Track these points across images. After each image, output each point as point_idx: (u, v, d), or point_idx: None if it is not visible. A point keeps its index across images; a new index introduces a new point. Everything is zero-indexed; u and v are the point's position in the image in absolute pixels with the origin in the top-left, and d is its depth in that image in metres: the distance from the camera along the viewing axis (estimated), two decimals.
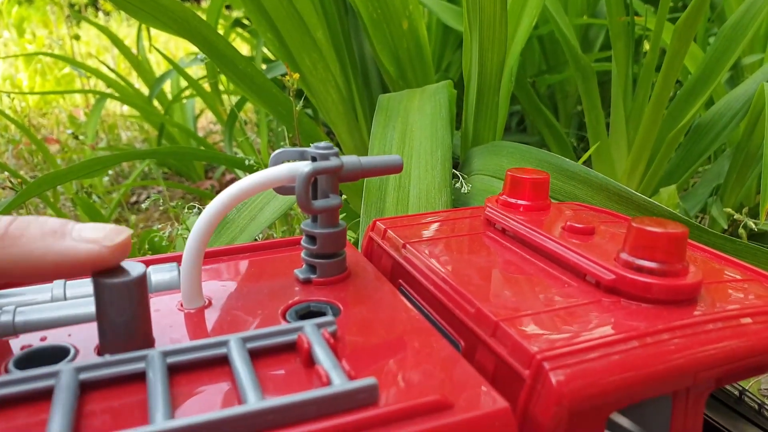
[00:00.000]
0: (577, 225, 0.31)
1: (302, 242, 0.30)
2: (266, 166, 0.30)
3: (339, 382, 0.20)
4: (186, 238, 0.66)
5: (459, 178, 0.49)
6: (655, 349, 0.23)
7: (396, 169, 0.30)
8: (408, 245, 0.33)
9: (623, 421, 0.26)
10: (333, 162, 0.28)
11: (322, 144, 0.29)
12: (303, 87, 0.71)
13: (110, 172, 1.06)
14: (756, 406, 0.33)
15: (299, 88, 0.67)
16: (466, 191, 0.48)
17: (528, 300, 0.26)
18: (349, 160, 0.29)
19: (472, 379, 0.22)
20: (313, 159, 0.29)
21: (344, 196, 0.69)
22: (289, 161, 0.30)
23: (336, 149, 0.29)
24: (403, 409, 0.20)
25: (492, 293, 0.27)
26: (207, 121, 1.82)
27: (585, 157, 0.62)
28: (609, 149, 0.72)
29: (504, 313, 0.25)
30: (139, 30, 1.28)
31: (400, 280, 0.33)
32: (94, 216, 0.77)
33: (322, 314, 0.27)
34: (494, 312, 0.25)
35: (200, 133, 1.60)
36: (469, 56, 0.57)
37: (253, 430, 0.19)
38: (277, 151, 0.30)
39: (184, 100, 1.27)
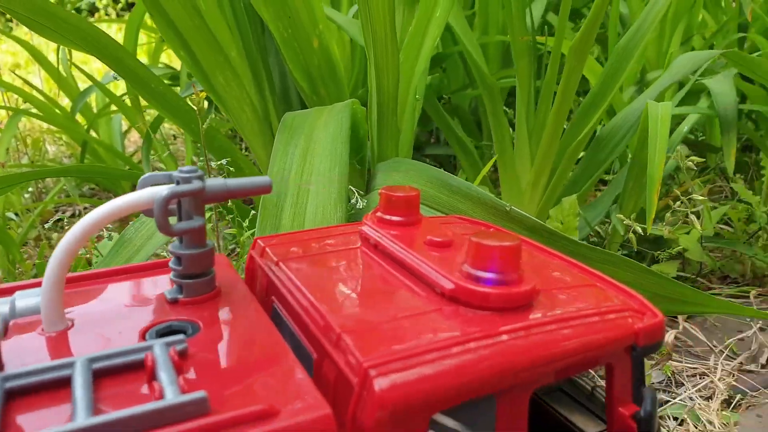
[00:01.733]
0: (435, 239, 0.34)
1: (170, 263, 0.31)
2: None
3: (171, 396, 0.22)
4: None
5: (355, 194, 0.51)
6: (477, 353, 0.25)
7: (265, 190, 0.32)
8: (280, 263, 0.34)
9: (448, 421, 0.28)
10: (194, 185, 0.29)
11: (187, 168, 0.30)
12: (218, 104, 0.71)
13: (30, 189, 1.04)
14: (604, 400, 0.35)
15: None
16: (361, 206, 0.50)
17: (376, 312, 0.28)
18: (214, 183, 0.31)
19: (305, 389, 0.24)
20: (177, 182, 0.30)
21: None
22: (158, 184, 0.31)
23: (201, 172, 0.30)
24: (230, 418, 0.21)
25: (344, 307, 0.29)
26: (138, 136, 1.79)
27: (485, 170, 0.64)
28: (514, 162, 0.75)
29: (348, 324, 0.27)
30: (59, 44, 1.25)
31: (273, 297, 0.34)
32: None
33: (184, 333, 0.28)
34: (339, 324, 0.27)
35: (131, 148, 1.58)
36: (371, 84, 0.60)
37: None
38: (144, 176, 0.31)
39: (112, 116, 1.25)
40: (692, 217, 0.64)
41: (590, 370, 0.36)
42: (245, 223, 0.58)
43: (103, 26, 2.85)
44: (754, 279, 1.03)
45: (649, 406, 0.27)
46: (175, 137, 1.68)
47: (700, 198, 0.63)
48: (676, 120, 1.02)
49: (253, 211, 0.64)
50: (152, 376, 0.24)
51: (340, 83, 0.70)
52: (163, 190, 0.29)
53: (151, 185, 0.31)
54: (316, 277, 0.32)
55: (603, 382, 0.38)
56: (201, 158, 0.66)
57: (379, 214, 0.38)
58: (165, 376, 0.23)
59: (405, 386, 0.23)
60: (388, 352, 0.24)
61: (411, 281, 0.32)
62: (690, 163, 0.67)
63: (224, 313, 0.30)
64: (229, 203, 0.70)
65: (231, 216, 0.74)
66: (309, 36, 0.65)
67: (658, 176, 0.54)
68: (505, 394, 0.26)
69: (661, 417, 0.65)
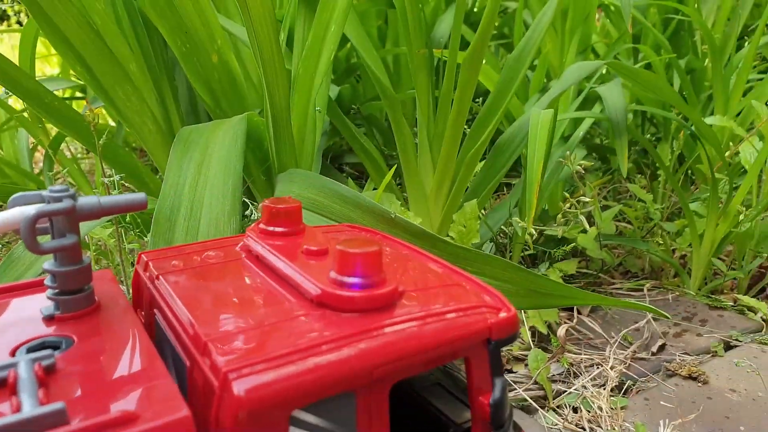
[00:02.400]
0: (312, 248, 0.36)
1: (45, 281, 0.32)
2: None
3: (27, 409, 0.23)
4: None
5: (249, 206, 0.52)
6: (334, 353, 0.27)
7: (140, 206, 0.33)
8: (160, 276, 0.35)
9: (312, 419, 0.30)
10: (63, 204, 0.30)
11: (57, 187, 0.31)
12: (120, 119, 0.71)
13: None
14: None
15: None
16: (256, 218, 0.52)
17: (244, 320, 0.30)
18: (87, 201, 0.31)
19: (168, 394, 0.25)
20: (48, 202, 0.30)
21: None
22: (29, 203, 0.31)
23: (72, 191, 0.31)
24: (86, 426, 0.22)
25: (214, 317, 0.30)
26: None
27: (387, 178, 0.67)
28: (418, 169, 0.79)
29: (214, 333, 0.28)
30: None
31: (154, 310, 0.35)
32: None
33: (56, 348, 0.29)
34: (205, 333, 0.28)
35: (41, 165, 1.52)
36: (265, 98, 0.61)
37: None
38: (15, 195, 0.31)
39: (18, 130, 1.21)
40: (582, 218, 0.69)
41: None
42: (146, 238, 0.58)
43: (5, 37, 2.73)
44: (652, 272, 1.10)
45: (498, 394, 0.30)
46: (88, 152, 1.63)
47: (589, 199, 0.68)
48: (577, 124, 1.09)
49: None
50: (12, 392, 0.24)
51: (241, 97, 0.71)
52: (31, 209, 0.29)
53: (23, 204, 0.31)
54: (193, 289, 0.33)
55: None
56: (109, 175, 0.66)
57: (261, 225, 0.39)
58: (25, 391, 0.24)
59: (262, 387, 0.25)
60: (247, 356, 0.26)
61: (285, 289, 0.33)
62: (579, 167, 0.72)
63: (100, 327, 0.31)
64: (135, 218, 0.70)
65: (138, 229, 0.73)
66: (207, 51, 0.66)
67: (536, 178, 0.58)
68: (364, 389, 0.28)
69: (559, 406, 0.69)
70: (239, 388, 0.25)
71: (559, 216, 0.74)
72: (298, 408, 0.26)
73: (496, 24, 1.40)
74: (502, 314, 0.33)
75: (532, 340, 0.78)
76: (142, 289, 0.37)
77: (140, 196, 0.33)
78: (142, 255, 0.38)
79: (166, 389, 0.25)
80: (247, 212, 0.52)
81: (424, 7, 1.00)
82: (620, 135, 0.85)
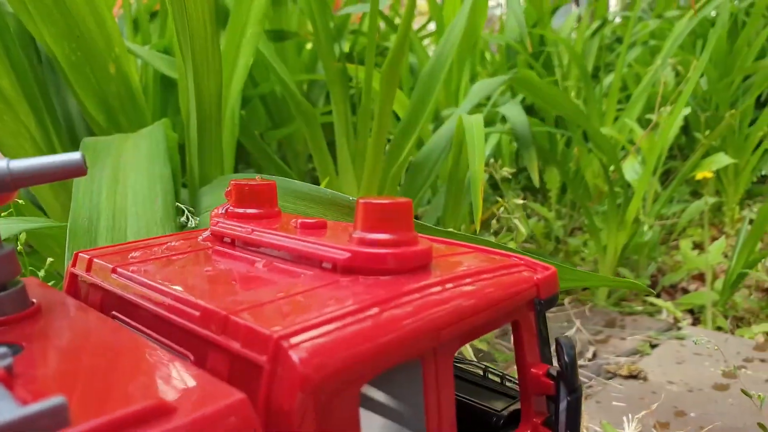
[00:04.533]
0: (308, 221, 0.30)
1: None
2: None
3: (10, 409, 0.15)
4: None
5: (185, 212, 0.45)
6: (396, 314, 0.22)
7: (78, 168, 0.25)
8: (119, 269, 0.28)
9: (378, 395, 0.25)
10: None
11: None
12: None
13: None
14: (498, 379, 0.34)
15: None
16: (194, 225, 0.44)
17: (262, 294, 0.24)
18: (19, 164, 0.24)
19: (199, 379, 0.18)
20: None
21: None
22: None
23: None
24: (106, 423, 0.15)
25: (221, 295, 0.24)
26: None
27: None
28: (340, 188, 0.74)
29: (234, 307, 0.22)
30: None
31: (114, 312, 0.27)
32: None
33: None
34: (223, 307, 0.22)
35: None
36: (186, 95, 0.55)
37: None
38: None
39: None
40: (515, 221, 0.69)
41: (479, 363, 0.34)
42: (40, 272, 0.47)
43: None
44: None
45: (570, 350, 0.26)
46: None
47: (519, 202, 0.68)
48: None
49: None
50: None
51: (141, 111, 0.63)
52: None
53: None
54: (173, 276, 0.26)
55: (491, 366, 0.36)
56: None
57: (230, 209, 0.33)
58: None
59: (328, 352, 0.19)
60: (295, 322, 0.20)
61: (291, 264, 0.27)
62: (505, 172, 0.72)
63: (55, 327, 0.23)
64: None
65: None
66: (104, 61, 0.58)
67: (480, 176, 0.57)
68: (429, 355, 0.23)
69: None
70: (298, 355, 0.19)
71: (494, 221, 0.73)
72: (367, 379, 0.20)
73: (378, 62, 1.43)
74: (544, 272, 0.29)
75: (476, 357, 0.75)
76: (85, 292, 0.29)
77: (75, 155, 0.25)
78: (80, 254, 0.30)
79: (192, 377, 0.19)
80: (182, 219, 0.44)
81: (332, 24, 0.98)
82: (527, 147, 0.88)
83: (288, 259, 0.28)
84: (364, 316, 0.21)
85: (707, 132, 1.23)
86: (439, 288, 0.25)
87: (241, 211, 0.33)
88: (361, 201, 0.26)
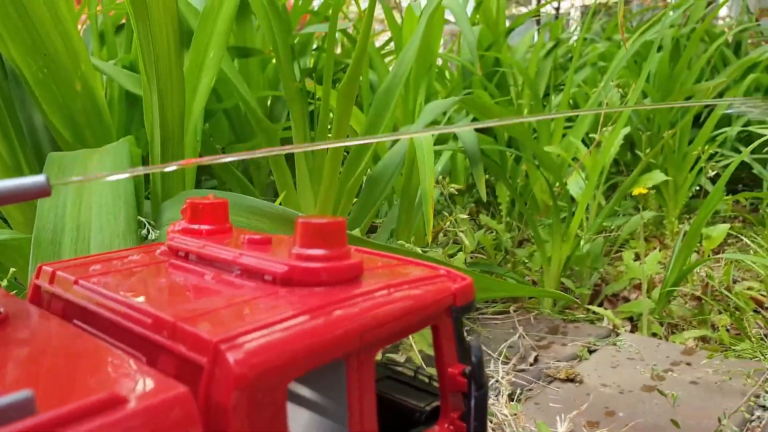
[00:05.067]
0: (255, 237, 0.33)
1: None
2: None
3: None
4: None
5: (146, 226, 0.47)
6: (323, 320, 0.25)
7: (42, 191, 0.27)
8: (80, 281, 0.30)
9: (305, 391, 0.28)
10: None
11: None
12: None
13: None
14: (427, 380, 0.37)
15: None
16: (154, 237, 0.47)
17: (208, 303, 0.26)
18: None
19: (148, 376, 0.21)
20: None
21: None
22: None
23: None
24: (68, 412, 0.18)
25: (172, 304, 0.27)
26: None
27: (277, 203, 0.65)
28: (298, 203, 0.77)
29: (182, 315, 0.25)
30: None
31: (75, 320, 0.30)
32: None
33: None
34: (172, 315, 0.25)
35: None
36: (150, 112, 0.57)
37: None
38: None
39: None
40: (461, 235, 0.73)
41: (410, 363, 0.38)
42: (9, 275, 0.49)
43: None
44: (511, 296, 1.18)
45: (478, 352, 0.30)
46: None
47: (464, 217, 0.72)
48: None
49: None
50: None
51: (106, 126, 0.65)
52: None
53: None
54: (130, 287, 0.29)
55: (421, 367, 0.40)
56: None
57: (185, 225, 0.36)
58: None
59: (260, 356, 0.22)
60: (233, 328, 0.23)
61: (236, 277, 0.30)
62: (452, 188, 0.76)
63: (22, 333, 0.25)
64: None
65: None
66: (70, 77, 0.60)
67: (431, 191, 0.60)
68: (354, 356, 0.26)
69: None
70: (234, 357, 0.22)
71: (441, 235, 0.77)
72: (295, 377, 0.23)
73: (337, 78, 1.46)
74: (461, 282, 0.33)
75: (424, 362, 0.78)
76: (48, 304, 0.31)
77: (38, 178, 0.27)
78: (44, 266, 0.33)
79: (142, 373, 0.21)
80: (143, 232, 0.47)
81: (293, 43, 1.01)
82: (476, 164, 0.92)
83: (234, 272, 0.31)
84: (295, 323, 0.24)
85: (647, 150, 1.30)
86: (364, 297, 0.28)
87: (195, 227, 0.35)
88: (299, 220, 0.29)
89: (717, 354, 0.90)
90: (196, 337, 0.23)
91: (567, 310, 1.11)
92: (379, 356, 0.58)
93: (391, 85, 0.86)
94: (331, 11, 0.79)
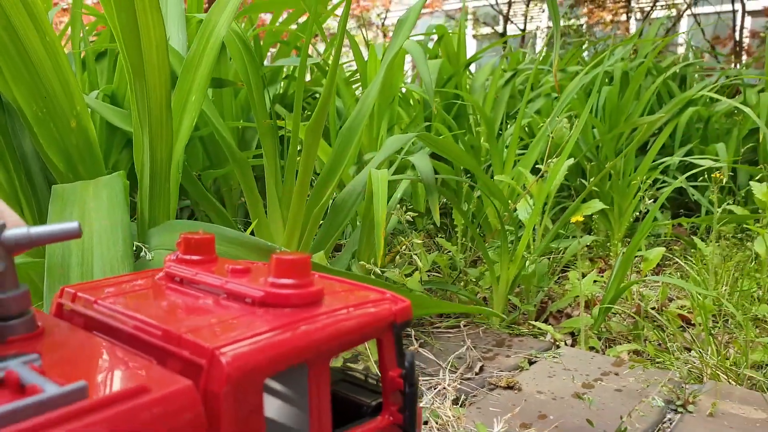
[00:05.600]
0: (236, 267, 0.41)
1: None
2: None
3: (52, 389, 0.25)
4: None
5: (143, 250, 0.55)
6: (291, 334, 0.34)
7: (74, 235, 0.35)
8: (99, 301, 0.38)
9: (278, 386, 0.36)
10: None
11: None
12: None
13: None
14: (375, 382, 0.46)
15: None
16: (150, 258, 0.54)
17: (203, 320, 0.35)
18: (14, 232, 0.33)
19: (163, 374, 0.29)
20: None
21: None
22: None
23: (1, 222, 0.33)
24: (110, 397, 0.26)
25: (174, 320, 0.35)
26: None
27: (247, 232, 0.73)
28: (269, 227, 0.85)
29: (186, 328, 0.33)
30: None
31: (94, 332, 0.37)
32: None
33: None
34: (176, 329, 0.33)
35: None
36: (140, 152, 0.65)
37: None
38: None
39: None
40: (415, 257, 0.82)
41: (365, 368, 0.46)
42: None
43: None
44: (463, 312, 1.28)
45: (410, 357, 0.39)
46: None
47: (418, 241, 0.81)
48: (393, 188, 1.25)
49: None
50: (20, 385, 0.27)
51: (97, 161, 0.73)
52: None
53: None
54: (139, 306, 0.37)
55: (372, 373, 0.48)
56: None
57: (179, 255, 0.44)
58: (37, 378, 0.26)
59: (242, 357, 0.31)
60: (225, 339, 0.31)
61: (223, 299, 0.38)
62: (408, 216, 0.85)
63: (58, 342, 0.33)
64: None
65: None
66: (66, 116, 0.67)
67: (382, 224, 0.69)
68: (314, 361, 0.34)
69: None
70: (225, 359, 0.30)
71: (397, 257, 0.86)
72: (270, 375, 0.32)
73: (306, 106, 1.55)
74: (400, 304, 0.41)
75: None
76: (69, 318, 0.39)
77: (73, 224, 0.35)
78: (67, 288, 0.40)
79: (158, 372, 0.29)
80: (142, 254, 0.54)
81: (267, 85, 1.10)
82: (431, 193, 1.02)
83: (221, 296, 0.39)
84: (270, 335, 0.33)
85: (591, 179, 1.42)
86: (324, 316, 0.36)
87: (187, 257, 0.43)
88: (274, 256, 0.38)
89: (637, 365, 1.00)
90: (197, 345, 0.31)
91: (513, 325, 1.20)
92: (340, 363, 0.66)
93: (354, 123, 0.95)
94: (302, 50, 0.88)
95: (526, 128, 2.03)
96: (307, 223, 0.86)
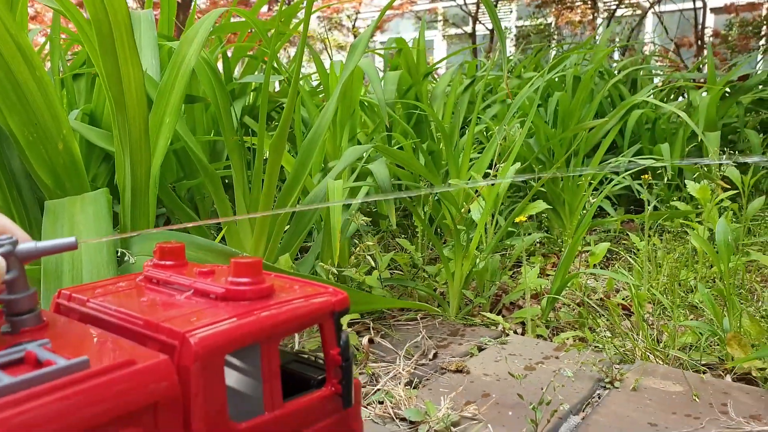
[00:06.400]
0: (203, 269, 0.50)
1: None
2: None
3: (63, 361, 0.34)
4: None
5: (126, 255, 0.63)
6: (246, 321, 0.42)
7: (70, 247, 0.44)
8: (91, 300, 0.46)
9: (237, 361, 0.45)
10: (3, 249, 0.41)
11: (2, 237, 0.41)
12: None
13: None
14: (323, 361, 0.55)
15: None
16: (133, 262, 0.63)
17: (176, 312, 0.43)
18: (24, 246, 0.42)
19: (145, 351, 0.38)
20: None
21: None
22: None
23: (14, 238, 0.42)
24: (106, 367, 0.35)
25: (153, 313, 0.43)
26: None
27: (217, 239, 0.81)
28: (238, 233, 0.94)
29: (161, 318, 0.41)
30: None
31: (88, 324, 0.46)
32: None
33: None
34: (155, 318, 0.41)
35: None
36: (122, 170, 0.73)
37: (11, 391, 0.31)
38: None
39: None
40: (369, 258, 0.91)
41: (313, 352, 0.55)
42: None
43: None
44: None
45: (345, 336, 0.48)
46: None
47: (369, 243, 0.90)
48: (355, 194, 1.34)
49: None
50: (37, 361, 0.35)
51: (82, 177, 0.80)
52: None
53: None
54: (126, 302, 0.46)
55: (318, 358, 0.57)
56: None
57: (155, 261, 0.52)
58: (50, 355, 0.35)
59: (208, 339, 0.39)
60: (193, 325, 0.40)
61: (192, 296, 0.47)
62: (362, 221, 0.94)
63: (61, 331, 0.41)
64: None
65: None
66: (54, 140, 0.75)
67: (337, 230, 0.78)
68: (265, 342, 0.43)
69: (369, 403, 0.87)
70: (195, 340, 0.39)
71: (352, 258, 0.95)
72: (229, 352, 0.40)
73: (275, 117, 1.63)
74: (340, 296, 0.51)
75: None
76: (67, 314, 0.47)
77: (71, 239, 0.44)
78: (62, 291, 0.48)
79: (141, 350, 0.38)
80: (126, 259, 0.62)
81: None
82: (388, 199, 1.11)
83: (190, 293, 0.48)
84: (228, 322, 0.42)
85: (539, 179, 1.52)
86: (274, 307, 0.45)
87: (163, 262, 0.52)
88: (232, 260, 0.46)
89: (571, 348, 1.11)
90: (171, 331, 0.40)
91: (468, 317, 1.30)
92: (297, 347, 0.75)
93: (315, 135, 1.03)
94: (266, 68, 0.97)
95: (486, 133, 2.14)
96: (273, 229, 0.95)
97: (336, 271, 0.88)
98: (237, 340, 0.41)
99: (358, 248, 0.97)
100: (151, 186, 0.77)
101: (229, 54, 1.68)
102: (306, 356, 0.57)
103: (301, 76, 2.30)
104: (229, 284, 0.46)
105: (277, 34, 1.07)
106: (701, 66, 3.81)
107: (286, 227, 1.05)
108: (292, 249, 0.99)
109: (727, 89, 2.64)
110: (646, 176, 1.45)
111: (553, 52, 4.01)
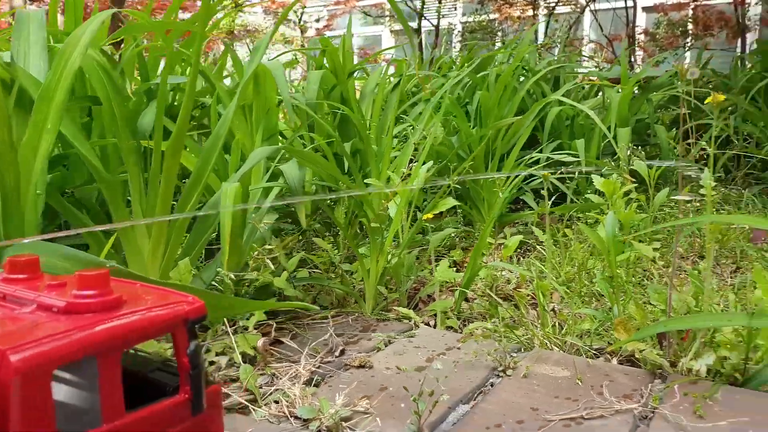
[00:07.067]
0: (53, 282, 0.49)
1: None
2: None
3: None
4: None
5: None
6: (79, 334, 0.42)
7: None
8: None
9: (69, 376, 0.44)
10: None
11: None
12: None
13: None
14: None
15: None
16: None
17: (13, 327, 0.42)
18: None
19: None
20: None
21: None
22: None
23: None
24: None
25: None
26: None
27: (108, 246, 0.80)
28: (135, 238, 0.92)
29: None
30: None
31: None
32: None
33: None
34: None
35: None
36: None
37: None
38: None
39: None
40: (268, 261, 0.90)
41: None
42: None
43: None
44: (339, 304, 1.38)
45: (193, 345, 0.48)
46: None
47: (273, 247, 0.90)
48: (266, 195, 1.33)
49: None
50: None
51: None
52: None
53: None
54: None
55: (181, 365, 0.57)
56: None
57: (4, 275, 0.51)
58: None
59: (31, 356, 0.39)
60: (17, 341, 0.39)
61: (36, 310, 0.46)
62: (263, 225, 0.94)
63: None
64: None
65: None
66: None
67: (227, 233, 0.77)
68: (102, 355, 0.43)
69: (266, 403, 0.87)
70: (14, 358, 0.38)
71: (251, 262, 0.94)
72: (57, 366, 0.40)
73: (196, 115, 1.60)
74: (196, 304, 0.50)
75: (243, 361, 0.95)
76: None
77: None
78: None
79: None
80: None
81: (128, 102, 1.15)
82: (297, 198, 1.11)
83: (34, 307, 0.46)
84: (59, 336, 0.41)
85: (454, 177, 1.55)
86: (119, 317, 0.45)
87: (12, 276, 0.50)
88: (77, 273, 0.46)
89: (477, 339, 1.14)
90: None
91: (383, 312, 1.32)
92: (168, 355, 0.73)
93: (216, 136, 1.02)
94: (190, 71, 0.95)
95: (406, 133, 2.16)
96: (171, 233, 0.93)
97: (233, 276, 0.88)
98: (65, 355, 0.40)
99: (256, 252, 0.96)
100: (30, 193, 0.74)
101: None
102: (171, 362, 0.56)
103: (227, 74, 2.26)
104: (73, 297, 0.45)
105: (195, 35, 1.05)
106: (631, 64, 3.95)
107: (188, 231, 1.03)
108: (194, 252, 0.98)
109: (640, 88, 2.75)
110: (547, 173, 1.50)
111: (483, 51, 4.08)
